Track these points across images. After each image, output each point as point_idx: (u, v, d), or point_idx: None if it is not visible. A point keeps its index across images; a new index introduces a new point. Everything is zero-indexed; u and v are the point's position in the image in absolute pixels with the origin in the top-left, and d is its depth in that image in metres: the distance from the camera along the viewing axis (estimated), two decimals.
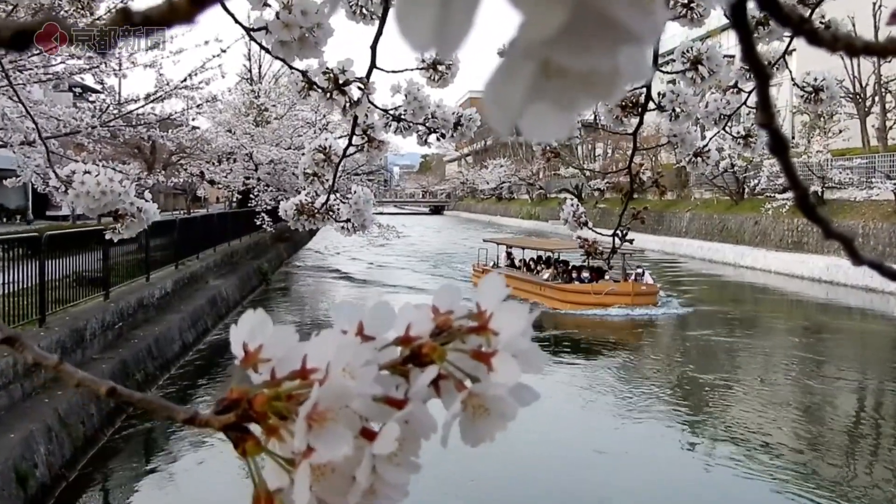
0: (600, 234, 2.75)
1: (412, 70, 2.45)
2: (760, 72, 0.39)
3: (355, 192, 2.62)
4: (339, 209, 2.62)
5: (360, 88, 2.13)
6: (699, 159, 2.77)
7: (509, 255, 27.44)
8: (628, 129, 2.60)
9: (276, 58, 1.87)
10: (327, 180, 2.55)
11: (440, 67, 2.43)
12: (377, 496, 0.44)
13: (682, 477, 9.66)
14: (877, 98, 33.54)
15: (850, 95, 34.10)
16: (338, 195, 2.64)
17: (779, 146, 0.39)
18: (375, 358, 0.46)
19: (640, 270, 22.88)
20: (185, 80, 15.83)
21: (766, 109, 0.39)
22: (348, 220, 2.62)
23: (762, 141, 2.70)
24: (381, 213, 41.37)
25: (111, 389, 0.45)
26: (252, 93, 31.64)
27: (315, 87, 2.23)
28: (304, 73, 2.14)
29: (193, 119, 20.24)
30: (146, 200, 2.09)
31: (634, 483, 9.34)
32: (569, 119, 0.35)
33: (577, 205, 2.67)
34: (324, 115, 28.59)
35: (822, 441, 11.07)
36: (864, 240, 27.26)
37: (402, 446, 0.44)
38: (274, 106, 31.15)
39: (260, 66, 39.41)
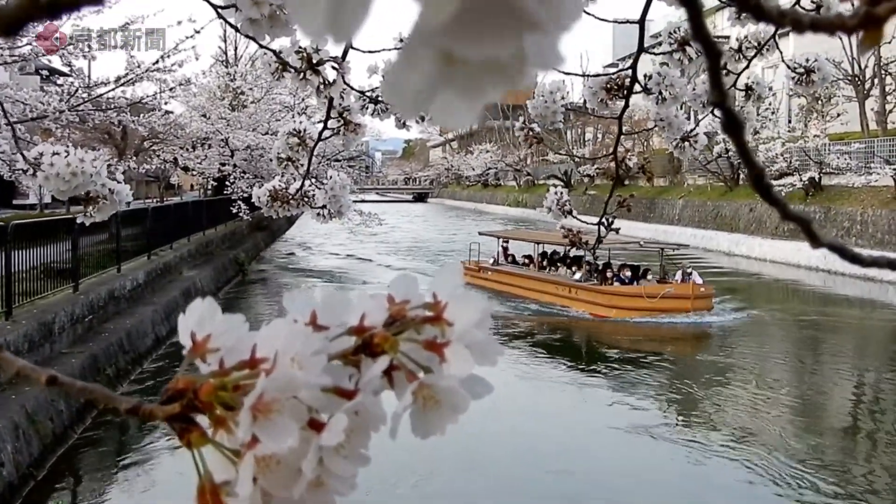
0: (586, 222, 2.76)
1: (389, 50, 2.44)
2: (710, 48, 0.39)
3: (331, 177, 2.62)
4: (314, 195, 2.62)
5: (334, 68, 2.13)
6: (687, 144, 2.78)
7: (506, 250, 25.04)
8: (615, 113, 2.61)
9: (247, 36, 1.87)
10: (302, 165, 2.54)
11: None
12: (325, 489, 0.45)
13: None
14: (876, 80, 33.70)
15: (849, 78, 34.25)
16: (313, 181, 2.64)
17: (732, 125, 0.40)
18: (325, 347, 0.46)
19: (688, 270, 20.48)
20: (157, 62, 15.76)
21: (717, 87, 0.39)
22: (324, 207, 2.62)
23: (751, 124, 2.71)
24: (363, 201, 41.21)
25: (51, 378, 0.45)
26: (228, 76, 31.48)
27: (288, 67, 2.23)
28: (276, 52, 2.14)
29: (166, 103, 20.12)
30: (119, 182, 2.08)
31: None
32: (477, 106, 0.35)
33: (562, 192, 2.67)
34: (303, 99, 28.51)
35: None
36: (863, 227, 27.43)
37: (350, 438, 0.44)
38: (251, 89, 30.99)
39: (236, 48, 39.20)
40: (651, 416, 11.93)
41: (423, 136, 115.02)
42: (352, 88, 2.45)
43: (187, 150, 28.39)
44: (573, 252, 21.64)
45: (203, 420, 0.47)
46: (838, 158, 31.03)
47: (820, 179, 31.24)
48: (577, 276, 21.23)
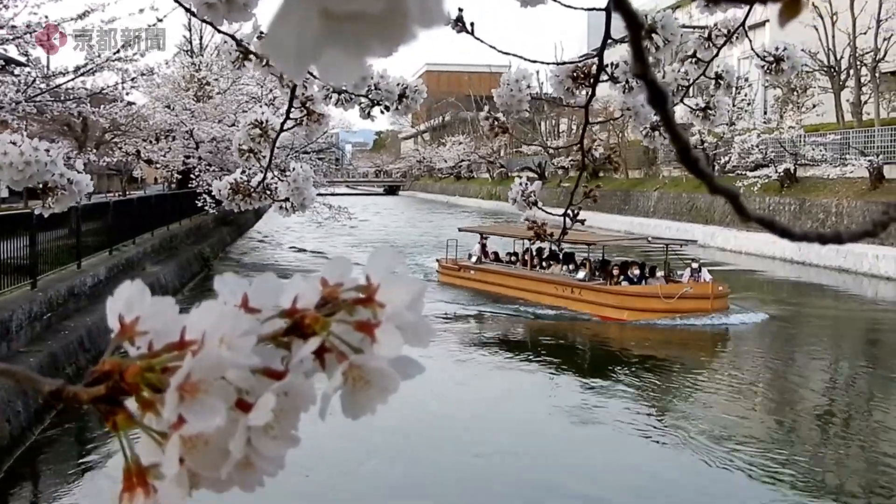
0: (552, 213, 2.77)
1: None
2: (631, 20, 0.40)
3: (294, 169, 2.61)
4: (276, 188, 2.61)
5: None
6: (657, 133, 2.80)
7: (484, 246, 23.59)
8: (582, 102, 2.61)
9: (203, 20, 1.85)
10: (264, 157, 2.53)
11: None
12: (253, 469, 0.45)
13: None
14: (851, 71, 34.04)
15: (825, 69, 34.58)
16: (276, 173, 2.63)
17: (657, 98, 0.41)
18: (255, 329, 0.46)
19: (695, 265, 19.24)
20: (117, 51, 15.62)
21: (639, 60, 0.40)
22: (287, 200, 2.61)
23: (721, 112, 2.74)
24: (333, 194, 41.09)
25: None
26: (192, 65, 31.25)
27: (249, 54, 2.21)
28: (234, 37, 2.13)
29: (128, 93, 19.95)
30: (77, 171, 2.06)
31: None
32: (362, 62, 0.36)
33: (527, 183, 2.68)
34: (270, 90, 28.37)
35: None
36: (838, 219, 27.72)
37: (279, 419, 0.45)
38: (216, 80, 30.76)
39: (201, 38, 38.97)
40: (673, 430, 11.24)
41: (395, 127, 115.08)
42: (314, 77, 2.45)
43: (150, 142, 28.22)
44: (564, 249, 20.74)
45: (133, 405, 0.47)
46: (813, 150, 31.33)
47: (795, 171, 31.53)
48: (580, 274, 19.85)
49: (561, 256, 21.23)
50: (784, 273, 26.70)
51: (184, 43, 38.50)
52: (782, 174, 31.47)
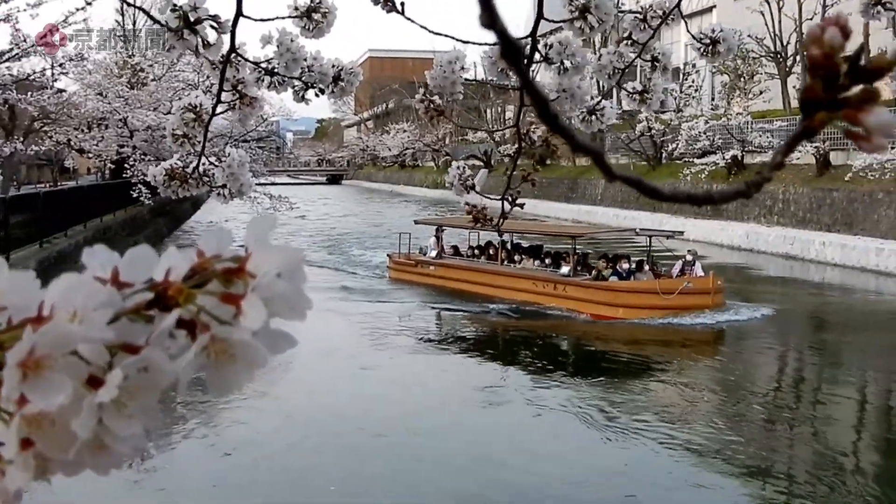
0: (490, 197, 2.76)
1: (283, 18, 2.40)
2: None
3: (230, 154, 2.58)
4: (213, 174, 2.57)
5: (213, 27, 2.08)
6: (593, 117, 2.80)
7: (439, 239, 22.20)
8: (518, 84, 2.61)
9: (125, 3, 1.82)
10: (198, 142, 2.49)
11: (315, 16, 2.39)
12: (107, 451, 0.43)
13: None
14: (798, 57, 34.60)
15: (771, 54, 35.10)
16: (211, 160, 2.59)
17: (510, 50, 0.39)
18: (114, 302, 0.44)
19: (689, 258, 18.28)
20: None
21: (486, 9, 0.39)
22: (224, 186, 2.58)
23: (657, 95, 2.74)
24: (273, 184, 40.70)
25: None
26: (125, 51, 30.76)
27: (167, 28, 2.17)
28: (144, 11, 2.09)
29: (57, 80, 19.56)
30: None
31: None
32: None
33: (465, 167, 2.67)
34: (207, 76, 27.97)
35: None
36: (785, 206, 28.18)
37: (135, 395, 0.43)
38: (151, 66, 30.32)
39: (134, 22, 38.30)
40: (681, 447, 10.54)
41: (337, 115, 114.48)
42: (245, 59, 2.41)
43: (82, 130, 27.70)
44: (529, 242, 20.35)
45: None
46: (760, 136, 31.83)
47: (743, 158, 32.00)
48: (564, 269, 18.75)
49: (528, 248, 20.58)
50: (733, 260, 27.04)
51: (117, 27, 37.84)
52: (730, 161, 31.92)
